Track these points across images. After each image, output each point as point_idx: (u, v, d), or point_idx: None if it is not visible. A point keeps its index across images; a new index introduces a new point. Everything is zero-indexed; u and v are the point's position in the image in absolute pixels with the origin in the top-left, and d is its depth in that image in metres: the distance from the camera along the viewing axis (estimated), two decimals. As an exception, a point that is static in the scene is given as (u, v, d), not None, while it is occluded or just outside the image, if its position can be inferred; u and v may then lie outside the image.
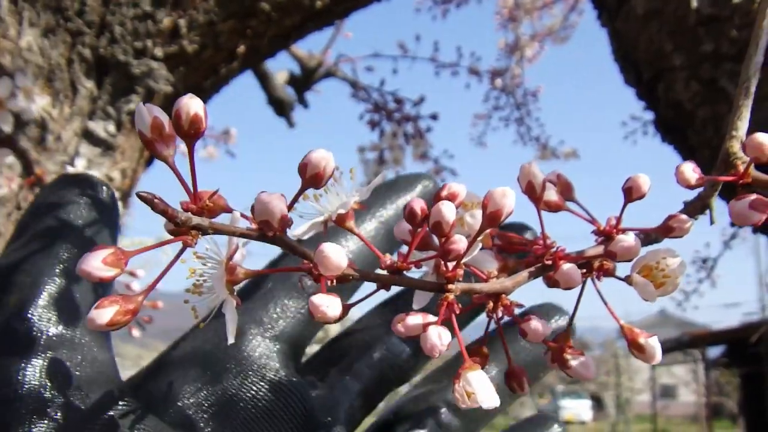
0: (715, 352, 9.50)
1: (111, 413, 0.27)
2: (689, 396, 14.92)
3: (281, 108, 2.27)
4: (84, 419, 0.27)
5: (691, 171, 0.30)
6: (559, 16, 3.05)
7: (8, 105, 0.73)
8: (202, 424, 0.30)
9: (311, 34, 0.94)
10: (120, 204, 0.83)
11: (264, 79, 2.20)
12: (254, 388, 0.31)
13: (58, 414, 0.26)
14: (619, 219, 0.32)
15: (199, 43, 0.80)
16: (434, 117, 2.02)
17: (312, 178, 0.25)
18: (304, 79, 2.28)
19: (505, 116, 2.87)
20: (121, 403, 0.28)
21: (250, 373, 0.32)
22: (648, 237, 0.32)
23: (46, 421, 0.26)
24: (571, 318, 0.34)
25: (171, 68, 0.80)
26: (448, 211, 0.27)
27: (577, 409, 15.54)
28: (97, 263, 0.22)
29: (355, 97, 2.16)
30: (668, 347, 9.47)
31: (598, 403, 15.59)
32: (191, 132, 0.24)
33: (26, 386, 0.27)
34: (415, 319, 0.28)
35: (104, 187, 0.33)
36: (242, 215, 0.26)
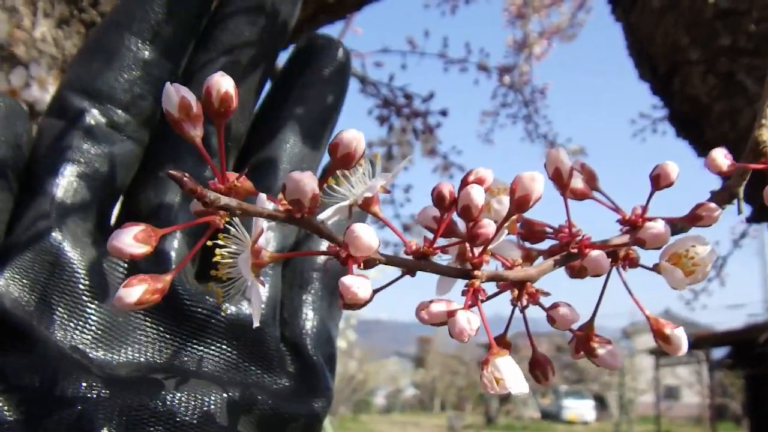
0: (719, 353, 9.48)
1: (152, 374, 0.28)
2: (693, 397, 14.88)
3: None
4: (127, 377, 0.28)
5: (723, 157, 0.30)
6: (567, 14, 3.05)
7: (22, 95, 0.73)
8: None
9: (323, 27, 0.94)
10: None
11: (274, 74, 2.19)
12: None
13: (101, 370, 0.27)
14: (645, 208, 0.31)
15: (213, 35, 0.80)
16: (444, 113, 2.02)
17: (343, 158, 0.25)
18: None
19: (513, 113, 2.86)
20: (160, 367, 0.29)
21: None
22: (674, 226, 0.31)
23: (90, 377, 0.27)
24: (595, 309, 0.34)
25: (184, 60, 0.80)
26: (477, 194, 0.26)
27: (580, 409, 15.54)
28: (128, 240, 0.22)
29: (364, 92, 2.15)
30: (672, 348, 9.39)
31: (601, 404, 15.59)
32: (221, 111, 0.24)
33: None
34: (439, 306, 0.28)
35: None
36: (269, 198, 0.26)
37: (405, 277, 0.30)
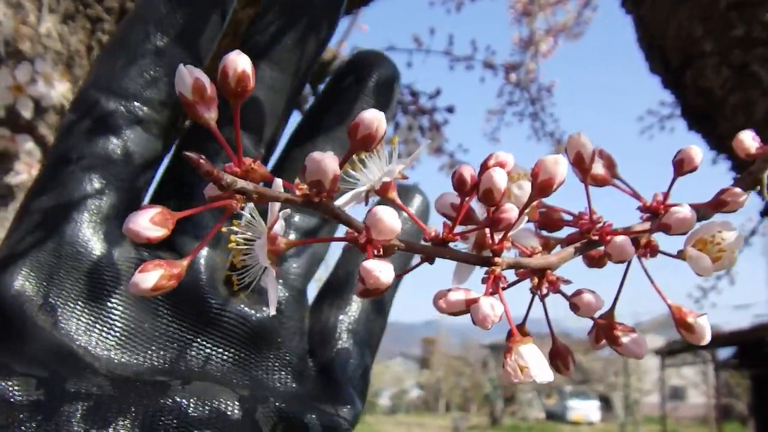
0: (725, 353, 9.44)
1: (158, 374, 0.28)
2: (699, 397, 14.84)
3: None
4: (135, 374, 0.27)
5: (750, 139, 0.29)
6: (574, 12, 3.04)
7: (28, 91, 0.72)
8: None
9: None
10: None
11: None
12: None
13: (109, 369, 0.27)
14: (666, 194, 0.31)
15: (219, 30, 0.80)
16: (450, 110, 2.01)
17: (363, 139, 0.24)
18: (319, 72, 2.26)
19: (520, 111, 2.86)
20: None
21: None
22: (697, 213, 0.31)
23: (99, 375, 0.26)
24: (616, 298, 0.33)
25: (190, 55, 0.79)
26: (499, 178, 0.26)
27: (585, 409, 15.51)
28: (145, 223, 0.21)
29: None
30: (677, 348, 9.41)
31: (606, 404, 15.55)
32: (238, 90, 0.23)
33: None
34: (457, 295, 0.27)
35: None
36: (284, 183, 0.26)
37: (409, 277, 0.29)
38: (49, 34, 0.77)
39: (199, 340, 0.30)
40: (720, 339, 8.44)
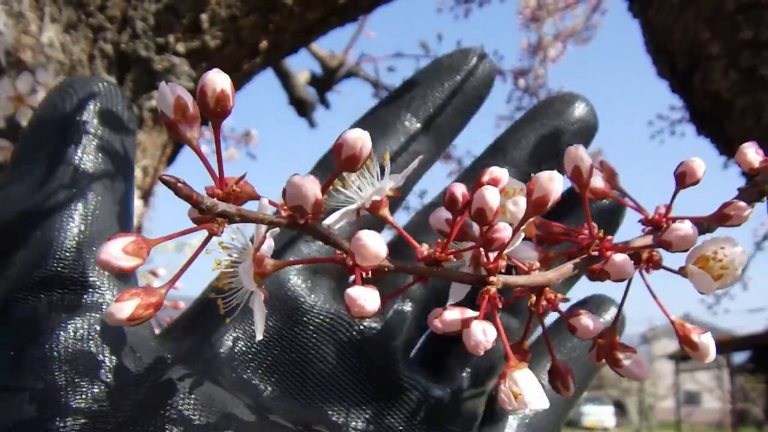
0: (740, 357, 9.37)
1: (164, 377, 0.26)
2: (714, 402, 14.71)
3: (303, 108, 2.25)
4: (136, 383, 0.26)
5: (754, 153, 0.28)
6: (582, 17, 3.02)
7: (29, 101, 0.72)
8: (261, 387, 0.29)
9: (334, 29, 0.93)
10: (141, 203, 0.82)
11: (285, 79, 2.19)
12: (321, 346, 0.31)
13: (109, 377, 0.25)
14: (669, 207, 0.30)
15: (222, 38, 0.79)
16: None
17: (348, 159, 0.23)
18: (326, 79, 2.26)
19: (528, 117, 2.84)
20: (174, 368, 0.27)
21: (314, 327, 0.32)
22: (700, 226, 0.30)
23: (96, 384, 0.25)
24: (617, 314, 0.32)
25: (193, 64, 0.79)
26: (492, 196, 0.25)
27: (599, 415, 15.40)
28: (116, 252, 0.20)
29: (377, 96, 2.14)
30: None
31: (620, 409, 15.44)
32: (218, 110, 0.22)
33: (73, 346, 0.26)
34: (452, 314, 0.27)
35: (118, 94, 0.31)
36: (271, 202, 0.25)
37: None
38: (51, 44, 0.76)
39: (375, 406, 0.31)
40: (734, 343, 8.38)
